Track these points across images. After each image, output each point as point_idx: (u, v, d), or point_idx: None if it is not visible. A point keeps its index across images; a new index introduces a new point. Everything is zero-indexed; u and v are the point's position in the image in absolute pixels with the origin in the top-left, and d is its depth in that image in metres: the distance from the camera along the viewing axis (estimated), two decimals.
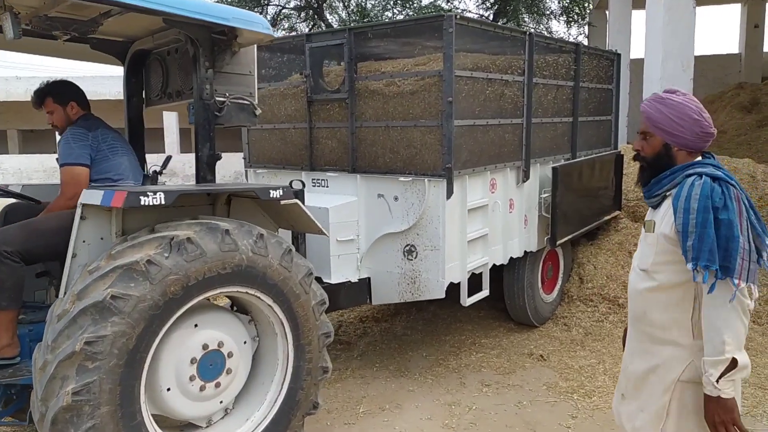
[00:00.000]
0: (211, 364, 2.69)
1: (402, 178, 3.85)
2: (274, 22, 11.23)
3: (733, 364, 1.72)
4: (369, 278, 4.15)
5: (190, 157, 17.45)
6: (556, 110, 5.00)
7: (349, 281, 4.06)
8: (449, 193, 3.71)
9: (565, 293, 5.75)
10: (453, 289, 3.99)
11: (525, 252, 4.88)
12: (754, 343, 4.78)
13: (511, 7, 10.92)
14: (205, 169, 3.00)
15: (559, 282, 5.74)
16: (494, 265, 4.45)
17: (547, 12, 13.20)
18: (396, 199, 3.94)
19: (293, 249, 2.89)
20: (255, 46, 3.22)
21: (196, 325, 2.66)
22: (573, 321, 5.44)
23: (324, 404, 3.85)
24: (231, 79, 3.12)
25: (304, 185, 4.02)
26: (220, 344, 2.73)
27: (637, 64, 9.09)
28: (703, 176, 1.82)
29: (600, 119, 5.92)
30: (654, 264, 1.93)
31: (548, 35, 4.94)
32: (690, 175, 1.85)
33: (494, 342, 5.05)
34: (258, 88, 4.72)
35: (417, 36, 3.87)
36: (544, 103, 4.81)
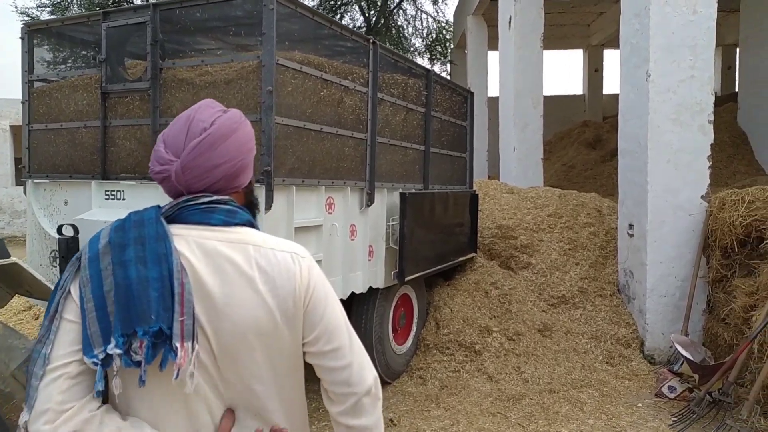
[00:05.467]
0: None
1: None
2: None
3: None
4: None
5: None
6: (405, 134, 4.61)
7: None
8: (268, 203, 3.03)
9: (421, 341, 5.21)
10: None
11: (371, 289, 4.28)
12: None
13: (377, 40, 10.96)
14: None
15: (414, 329, 5.19)
16: None
17: (412, 49, 13.66)
18: None
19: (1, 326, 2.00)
20: None
21: None
22: (429, 373, 4.88)
23: None
24: None
25: (77, 231, 3.12)
26: None
27: (495, 102, 9.40)
28: None
29: (454, 155, 5.67)
30: None
31: (395, 51, 4.60)
32: None
33: None
34: (47, 82, 3.86)
35: (236, 20, 3.28)
36: (392, 123, 4.40)
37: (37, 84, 3.80)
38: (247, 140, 1.24)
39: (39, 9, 10.32)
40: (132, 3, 10.26)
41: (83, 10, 9.84)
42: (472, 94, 6.06)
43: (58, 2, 10.10)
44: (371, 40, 4.01)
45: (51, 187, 3.72)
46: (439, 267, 5.06)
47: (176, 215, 1.16)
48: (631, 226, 5.28)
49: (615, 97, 5.67)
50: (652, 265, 4.96)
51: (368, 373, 1.23)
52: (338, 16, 13.06)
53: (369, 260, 4.20)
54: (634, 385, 4.58)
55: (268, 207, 3.04)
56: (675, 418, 4.02)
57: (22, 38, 3.78)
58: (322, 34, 3.63)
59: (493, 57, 12.07)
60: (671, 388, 4.38)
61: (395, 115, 4.44)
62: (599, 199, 6.67)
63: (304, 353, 1.23)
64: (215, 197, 1.19)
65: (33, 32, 3.79)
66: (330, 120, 3.59)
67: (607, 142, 11.69)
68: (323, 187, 3.57)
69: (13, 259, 2.19)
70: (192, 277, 1.09)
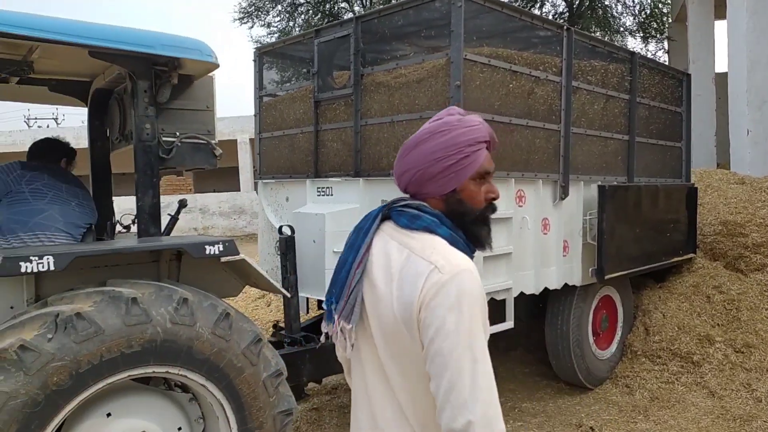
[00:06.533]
0: None
1: None
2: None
3: None
4: None
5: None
6: (605, 124, 4.33)
7: None
8: None
9: (628, 347, 4.83)
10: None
11: (567, 287, 4.11)
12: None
13: (581, 24, 10.09)
14: (147, 221, 2.62)
15: (618, 334, 4.83)
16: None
17: (622, 29, 12.20)
18: None
19: (232, 312, 2.43)
20: (213, 79, 2.91)
21: (108, 415, 2.23)
22: (636, 382, 4.52)
23: None
24: (183, 116, 2.81)
25: (293, 231, 3.58)
26: None
27: (724, 79, 8.13)
28: None
29: (666, 144, 5.13)
30: None
31: (592, 35, 4.35)
32: None
33: (538, 407, 4.23)
34: (272, 96, 4.52)
35: (428, 23, 3.46)
36: (590, 112, 4.17)
37: (265, 99, 4.48)
38: (435, 151, 1.25)
39: (269, 35, 12.12)
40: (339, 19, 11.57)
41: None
42: (688, 76, 5.41)
43: (282, 28, 11.73)
44: (565, 27, 3.87)
45: (276, 186, 4.34)
46: (646, 267, 4.64)
47: (389, 213, 1.33)
48: None
49: None
50: None
51: (459, 418, 1.09)
52: (537, 5, 12.49)
53: (563, 256, 4.05)
54: None
55: None
56: None
57: (255, 60, 4.48)
58: (511, 27, 3.62)
59: (720, 27, 10.41)
60: None
61: (593, 103, 4.21)
62: None
63: None
64: (408, 201, 1.31)
65: (262, 54, 4.46)
66: (519, 112, 3.56)
67: None
68: (513, 179, 3.55)
69: (242, 256, 2.63)
70: (369, 268, 1.28)
